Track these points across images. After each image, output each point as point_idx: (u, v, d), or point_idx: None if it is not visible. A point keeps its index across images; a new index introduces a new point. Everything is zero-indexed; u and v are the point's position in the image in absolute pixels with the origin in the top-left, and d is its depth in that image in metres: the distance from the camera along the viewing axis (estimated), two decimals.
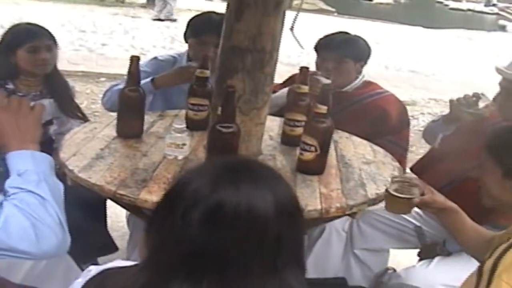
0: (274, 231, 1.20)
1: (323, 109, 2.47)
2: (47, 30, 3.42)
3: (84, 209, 3.17)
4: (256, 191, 1.21)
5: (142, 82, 2.93)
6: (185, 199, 1.23)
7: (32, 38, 3.30)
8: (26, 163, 1.81)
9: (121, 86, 2.95)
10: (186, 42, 3.65)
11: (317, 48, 3.55)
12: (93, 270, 1.48)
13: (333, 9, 19.54)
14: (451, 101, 3.00)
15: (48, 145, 3.46)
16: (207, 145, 2.49)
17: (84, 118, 3.66)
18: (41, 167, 1.84)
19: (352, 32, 3.69)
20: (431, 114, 8.44)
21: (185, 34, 3.67)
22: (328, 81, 3.06)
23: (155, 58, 3.72)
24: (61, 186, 1.87)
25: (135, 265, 1.40)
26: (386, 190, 2.26)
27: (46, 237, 1.69)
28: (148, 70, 3.44)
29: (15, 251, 1.66)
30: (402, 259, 3.48)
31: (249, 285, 1.20)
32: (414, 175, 3.10)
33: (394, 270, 3.16)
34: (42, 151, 3.26)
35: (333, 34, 3.62)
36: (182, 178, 1.30)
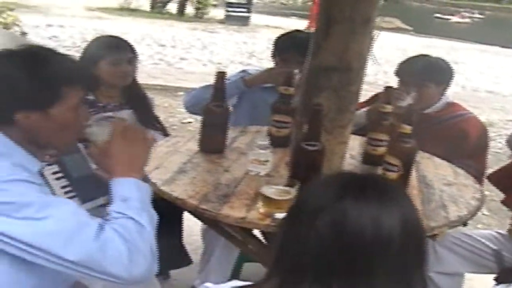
0: (399, 245, 1.21)
1: (407, 129, 2.44)
2: (128, 43, 3.47)
3: (160, 221, 3.23)
4: (384, 208, 1.23)
5: (233, 78, 2.95)
6: (312, 206, 1.26)
7: (114, 51, 3.36)
8: (131, 191, 1.87)
9: (205, 90, 3.01)
10: (274, 61, 3.66)
11: (398, 73, 3.52)
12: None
13: (410, 28, 19.38)
14: None
15: None
16: (291, 163, 2.48)
17: (163, 130, 3.71)
18: (143, 196, 1.90)
19: (429, 51, 3.65)
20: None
21: (272, 53, 3.68)
22: (411, 100, 3.02)
23: (244, 71, 3.73)
24: (156, 216, 1.94)
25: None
26: None
27: (138, 264, 1.74)
28: (237, 78, 3.49)
29: (106, 274, 1.70)
30: (477, 283, 3.40)
31: None
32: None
33: None
34: None
35: (413, 57, 3.59)
36: (309, 188, 1.34)
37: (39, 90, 1.81)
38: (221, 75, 2.73)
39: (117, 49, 3.38)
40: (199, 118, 2.97)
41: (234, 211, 2.21)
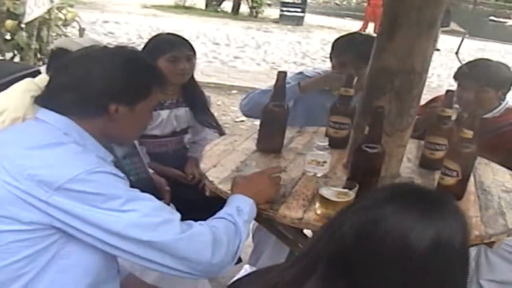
0: (419, 266, 1.19)
1: (469, 134, 2.41)
2: (187, 41, 3.51)
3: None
4: (420, 223, 1.20)
5: (288, 86, 2.97)
6: (353, 209, 1.28)
7: (173, 48, 3.40)
8: (246, 206, 2.10)
9: (262, 95, 3.02)
10: (331, 62, 3.66)
11: (456, 77, 3.48)
12: (246, 268, 1.57)
13: (465, 31, 19.14)
14: None
15: (182, 153, 3.56)
16: (350, 164, 2.47)
17: (218, 128, 3.73)
18: (251, 216, 2.12)
19: (482, 54, 3.61)
20: None
21: (330, 54, 3.69)
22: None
23: (301, 72, 3.74)
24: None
25: (281, 264, 1.49)
26: None
27: (218, 259, 1.86)
28: (293, 83, 3.49)
29: (186, 260, 1.82)
30: None
31: None
32: None
33: None
34: (175, 159, 3.38)
35: (473, 61, 3.54)
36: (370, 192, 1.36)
37: (134, 86, 1.95)
38: (281, 75, 2.73)
39: (176, 46, 3.42)
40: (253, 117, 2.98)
41: (291, 212, 2.21)
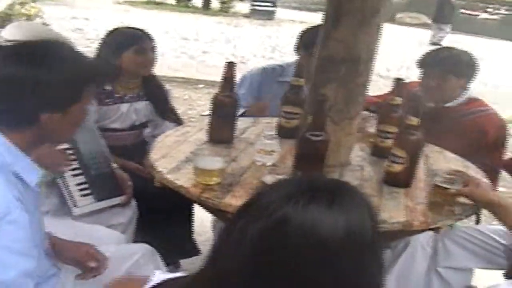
0: (337, 260, 1.13)
1: (414, 121, 2.43)
2: (148, 33, 3.51)
3: (171, 212, 3.24)
4: (328, 216, 1.14)
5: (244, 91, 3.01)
6: (250, 210, 1.20)
7: (139, 40, 3.40)
8: None
9: None
10: (297, 54, 3.68)
11: (420, 64, 3.50)
12: (156, 277, 1.51)
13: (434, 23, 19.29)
14: None
15: (141, 148, 3.56)
16: (295, 153, 2.46)
17: (178, 122, 3.73)
18: None
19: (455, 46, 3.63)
20: None
21: (296, 46, 3.70)
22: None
23: (263, 68, 3.85)
24: None
25: (191, 275, 1.37)
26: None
27: None
28: (258, 79, 3.65)
29: None
30: (485, 276, 3.37)
31: None
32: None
33: None
34: (134, 152, 3.37)
35: (437, 49, 3.56)
36: (261, 190, 1.26)
37: (63, 91, 1.83)
38: (231, 65, 2.74)
39: (142, 39, 3.42)
40: None
41: (237, 200, 2.20)
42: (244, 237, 1.15)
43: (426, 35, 18.97)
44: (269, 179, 2.18)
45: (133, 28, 3.58)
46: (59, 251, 2.26)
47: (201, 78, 9.94)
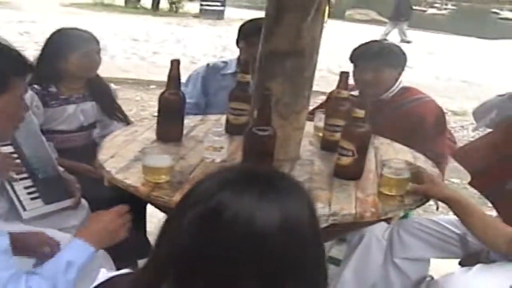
0: (273, 249, 1.11)
1: (360, 113, 2.44)
2: (94, 35, 3.47)
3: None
4: (263, 204, 1.12)
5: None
6: (187, 199, 1.19)
7: (86, 43, 3.36)
8: (82, 257, 1.95)
9: None
10: (238, 47, 3.69)
11: (352, 59, 3.52)
12: (101, 275, 1.49)
13: (386, 20, 19.46)
14: None
15: (91, 148, 3.52)
16: (243, 148, 2.46)
17: (126, 121, 3.70)
18: (88, 262, 1.97)
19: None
20: None
21: (237, 39, 3.72)
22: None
23: (208, 64, 3.94)
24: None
25: (136, 271, 1.39)
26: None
27: None
28: (203, 75, 3.75)
29: None
30: (442, 266, 3.41)
31: None
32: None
33: (432, 278, 3.09)
34: (85, 154, 3.33)
35: (366, 43, 3.60)
36: (198, 180, 1.23)
37: None
38: (175, 63, 2.74)
39: (88, 41, 3.39)
40: None
41: None
42: (181, 225, 1.14)
43: (376, 31, 19.13)
44: None
45: (79, 29, 3.53)
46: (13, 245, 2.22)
47: (152, 78, 9.87)
